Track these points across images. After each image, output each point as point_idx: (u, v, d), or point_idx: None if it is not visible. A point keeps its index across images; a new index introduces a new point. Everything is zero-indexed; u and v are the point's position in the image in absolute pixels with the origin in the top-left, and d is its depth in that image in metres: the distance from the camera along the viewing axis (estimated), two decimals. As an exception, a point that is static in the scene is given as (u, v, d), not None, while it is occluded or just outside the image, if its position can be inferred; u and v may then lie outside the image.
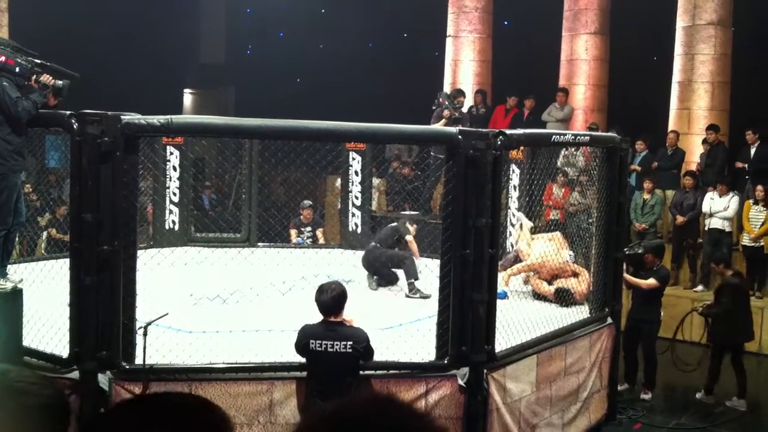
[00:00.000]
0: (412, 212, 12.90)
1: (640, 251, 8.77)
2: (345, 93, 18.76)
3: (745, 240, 11.42)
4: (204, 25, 22.02)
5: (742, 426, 8.35)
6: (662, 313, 8.89)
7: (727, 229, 11.63)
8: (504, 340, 6.56)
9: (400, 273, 9.01)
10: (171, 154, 10.74)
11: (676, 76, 13.66)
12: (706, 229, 11.87)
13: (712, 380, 8.89)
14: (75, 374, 5.57)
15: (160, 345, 5.78)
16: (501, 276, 8.91)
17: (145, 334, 5.45)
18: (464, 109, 13.54)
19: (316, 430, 1.21)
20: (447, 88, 15.24)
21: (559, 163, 11.70)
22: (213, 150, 12.34)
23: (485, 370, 6.25)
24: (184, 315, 6.95)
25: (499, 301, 6.54)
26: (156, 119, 5.61)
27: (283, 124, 6.10)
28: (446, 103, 12.59)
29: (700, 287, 11.86)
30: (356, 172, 11.55)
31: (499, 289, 8.77)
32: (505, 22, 17.30)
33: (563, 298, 8.40)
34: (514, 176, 11.12)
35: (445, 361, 6.17)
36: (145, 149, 8.79)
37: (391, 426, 1.17)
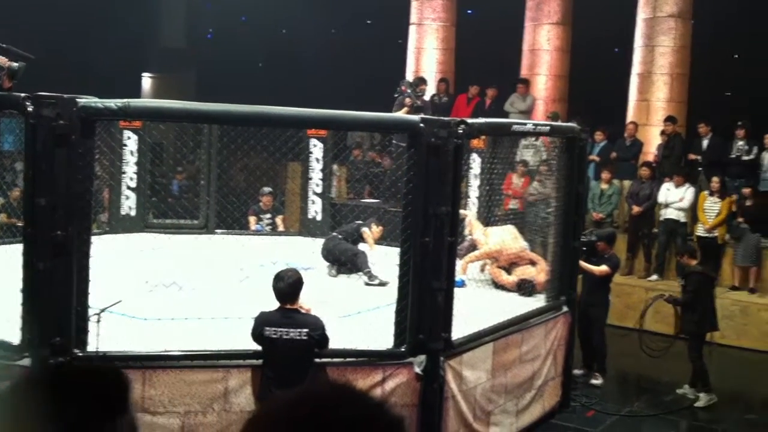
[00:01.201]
0: (373, 200, 12.90)
1: (593, 239, 8.92)
2: (307, 79, 18.65)
3: (700, 230, 11.61)
4: (164, 8, 21.70)
5: (692, 414, 8.50)
6: (611, 299, 9.05)
7: (682, 220, 11.81)
8: (461, 327, 6.59)
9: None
10: (128, 138, 10.59)
11: (636, 67, 13.80)
12: (661, 219, 12.05)
13: (704, 375, 8.77)
14: (26, 361, 5.47)
15: (114, 332, 5.71)
16: (458, 264, 8.97)
17: (98, 321, 5.38)
18: (426, 97, 13.53)
19: (273, 419, 1.20)
20: (409, 76, 15.22)
21: (526, 155, 11.75)
22: (171, 135, 12.19)
23: (442, 358, 6.28)
24: (138, 302, 6.88)
25: (456, 289, 6.57)
26: (113, 103, 5.53)
27: (243, 110, 6.04)
28: (408, 91, 12.58)
29: (654, 276, 12.04)
30: (317, 159, 11.50)
31: (457, 277, 8.84)
32: (469, 11, 17.31)
33: (527, 289, 8.48)
34: (475, 165, 11.17)
35: (403, 349, 6.19)
36: (101, 133, 8.64)
37: (348, 415, 1.17)
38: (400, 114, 11.60)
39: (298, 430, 1.16)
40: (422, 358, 6.20)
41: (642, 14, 13.69)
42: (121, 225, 10.62)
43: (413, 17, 16.25)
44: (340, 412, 1.17)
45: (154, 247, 9.62)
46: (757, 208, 11.26)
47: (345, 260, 9.08)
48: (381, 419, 1.19)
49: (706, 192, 11.59)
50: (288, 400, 1.23)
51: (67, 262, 5.42)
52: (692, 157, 12.47)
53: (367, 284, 8.69)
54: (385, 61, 17.61)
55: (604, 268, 8.78)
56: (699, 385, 8.75)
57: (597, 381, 8.99)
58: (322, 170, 11.53)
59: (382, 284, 8.48)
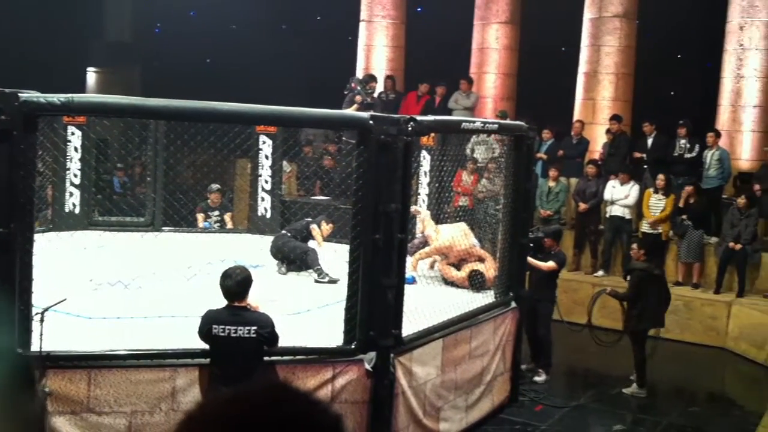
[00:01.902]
0: (323, 197, 12.85)
1: (540, 235, 9.02)
2: (257, 75, 18.51)
3: (645, 227, 11.83)
4: (110, 1, 21.30)
5: (638, 407, 8.66)
6: (557, 295, 9.16)
7: (628, 217, 12.03)
8: (411, 324, 6.61)
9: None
10: (72, 134, 10.37)
11: (583, 66, 14.00)
12: (607, 216, 12.25)
13: (641, 370, 8.91)
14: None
15: (58, 331, 5.59)
16: (409, 261, 9.00)
17: (42, 320, 5.26)
18: (376, 95, 13.53)
19: (205, 419, 1.18)
20: (360, 73, 15.21)
21: (477, 152, 11.82)
22: (116, 130, 11.98)
23: (392, 355, 6.29)
24: (83, 301, 6.75)
25: (407, 286, 6.59)
26: (56, 97, 5.40)
27: (189, 105, 5.96)
28: (358, 88, 12.57)
29: (600, 272, 12.23)
30: (266, 156, 11.42)
31: (408, 274, 8.86)
32: (418, 9, 17.37)
33: (476, 281, 8.53)
34: (425, 162, 11.20)
35: (353, 346, 6.18)
36: (44, 129, 8.46)
37: (286, 413, 1.16)
38: (350, 111, 11.58)
39: (231, 429, 1.14)
40: (372, 355, 6.20)
41: (588, 14, 13.90)
42: (65, 222, 10.40)
43: (363, 14, 16.25)
44: (275, 410, 1.16)
45: (99, 245, 9.45)
46: (700, 206, 11.50)
47: (294, 258, 9.03)
48: (317, 418, 1.19)
49: (651, 189, 11.81)
50: (222, 399, 1.22)
51: (10, 260, 5.29)
52: (637, 155, 12.69)
53: (317, 281, 8.66)
54: (335, 57, 17.57)
55: (550, 264, 8.89)
56: (637, 377, 8.91)
57: (540, 378, 9.06)
58: (272, 167, 11.44)
59: (332, 281, 8.46)
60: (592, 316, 9.28)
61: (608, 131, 12.94)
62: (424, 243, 9.32)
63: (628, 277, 9.13)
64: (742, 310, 10.88)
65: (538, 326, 9.04)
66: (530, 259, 8.82)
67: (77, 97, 5.60)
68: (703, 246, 11.62)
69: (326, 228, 9.40)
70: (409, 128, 6.28)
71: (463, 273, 8.79)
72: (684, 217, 11.47)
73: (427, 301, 7.16)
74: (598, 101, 13.84)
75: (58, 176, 10.39)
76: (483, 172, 11.26)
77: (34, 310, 5.38)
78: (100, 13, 21.12)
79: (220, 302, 5.53)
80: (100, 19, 21.24)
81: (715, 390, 9.96)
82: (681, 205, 11.48)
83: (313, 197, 12.75)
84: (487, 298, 8.21)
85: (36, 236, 5.57)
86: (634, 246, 9.36)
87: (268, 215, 11.45)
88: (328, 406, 1.23)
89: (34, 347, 5.34)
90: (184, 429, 1.18)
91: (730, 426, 8.30)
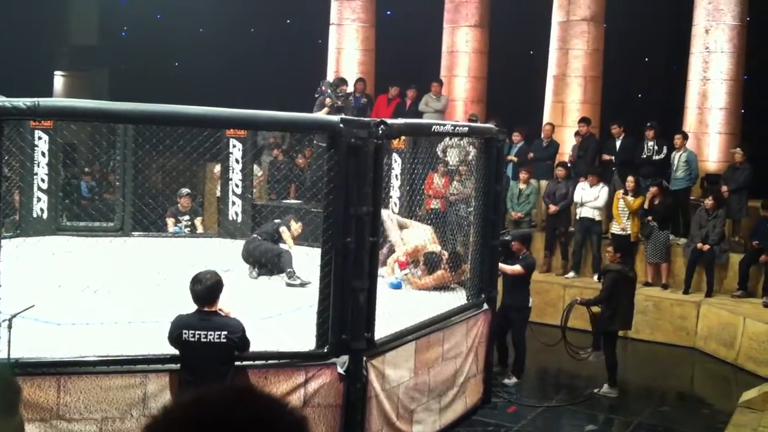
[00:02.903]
0: (294, 200, 12.81)
1: (507, 239, 9.01)
2: (226, 79, 18.40)
3: (615, 228, 11.93)
4: (76, 4, 21.08)
5: (609, 408, 8.73)
6: (531, 300, 9.10)
7: (597, 218, 12.13)
8: (383, 327, 6.60)
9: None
10: (39, 139, 10.25)
11: (552, 70, 14.11)
12: (577, 218, 12.34)
13: (613, 371, 8.96)
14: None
15: (27, 338, 5.51)
16: (387, 266, 9.03)
17: (10, 327, 5.18)
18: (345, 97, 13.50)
19: (174, 420, 1.17)
20: (330, 77, 15.19)
21: (449, 155, 11.85)
22: (84, 135, 11.85)
23: (365, 358, 6.28)
24: (52, 307, 6.65)
25: (390, 290, 6.57)
26: (22, 101, 5.33)
27: (157, 109, 5.92)
28: (328, 91, 12.54)
29: (571, 274, 12.32)
30: (237, 160, 11.36)
31: (394, 280, 8.88)
32: (388, 12, 17.38)
33: (432, 261, 8.60)
34: (396, 165, 11.22)
35: (325, 350, 6.16)
36: (11, 134, 8.35)
37: (249, 416, 1.16)
38: (320, 114, 11.56)
39: (195, 431, 1.14)
40: (345, 358, 6.18)
41: (556, 17, 14.00)
42: (32, 227, 10.27)
43: (333, 17, 16.23)
44: (238, 412, 1.16)
45: (67, 250, 9.33)
46: (665, 206, 11.62)
47: (266, 261, 8.99)
48: (281, 420, 1.19)
49: (620, 191, 11.91)
50: (186, 401, 1.21)
51: (-25, 266, 5.21)
52: (606, 157, 12.79)
53: (288, 284, 8.62)
54: (305, 61, 17.52)
55: (517, 267, 8.85)
56: (609, 378, 8.97)
57: (510, 381, 9.07)
58: (242, 171, 11.39)
59: (303, 284, 8.43)
60: (564, 322, 9.25)
61: (577, 133, 13.04)
62: (391, 249, 9.33)
63: (602, 278, 9.17)
64: (711, 309, 11.01)
65: (512, 334, 9.04)
66: (499, 264, 8.82)
67: (43, 101, 5.52)
68: (669, 246, 11.75)
69: (296, 227, 9.36)
70: (380, 131, 6.28)
71: (429, 279, 8.83)
72: (650, 218, 11.58)
73: (399, 304, 7.16)
74: (567, 104, 13.94)
75: (25, 181, 10.25)
76: (455, 174, 11.30)
77: (1, 317, 5.30)
78: (65, 16, 20.90)
79: (191, 307, 5.48)
80: (67, 22, 21.02)
81: (685, 389, 10.07)
82: (646, 206, 11.59)
83: (284, 201, 12.70)
84: (459, 300, 8.23)
85: (3, 242, 5.49)
86: (609, 249, 9.39)
87: (239, 219, 11.39)
88: (292, 408, 1.23)
89: (2, 354, 5.25)
90: None
91: (700, 425, 8.39)
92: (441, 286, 8.79)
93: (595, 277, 11.79)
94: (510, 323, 8.97)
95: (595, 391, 8.96)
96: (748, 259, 11.08)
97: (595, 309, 9.06)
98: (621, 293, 8.88)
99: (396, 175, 11.21)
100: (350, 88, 13.91)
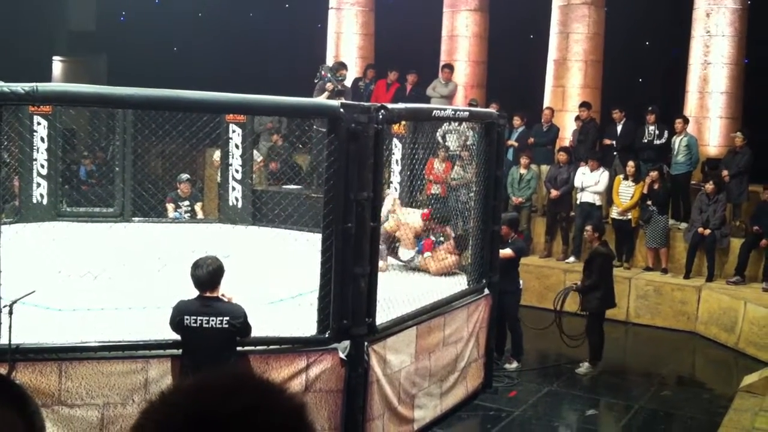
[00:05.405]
0: (294, 186, 12.77)
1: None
2: (225, 63, 18.33)
3: (614, 213, 11.92)
4: (73, -10, 20.97)
5: (611, 393, 8.74)
6: (522, 283, 9.21)
7: (598, 203, 12.11)
8: (384, 312, 6.60)
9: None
10: (38, 124, 10.21)
11: (552, 54, 14.04)
12: (577, 202, 12.32)
13: (598, 349, 9.15)
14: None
15: (28, 324, 5.51)
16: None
17: (10, 313, 5.18)
18: (348, 83, 13.44)
19: (167, 408, 1.16)
20: (330, 61, 15.11)
21: (448, 140, 11.81)
22: (83, 120, 11.81)
23: (366, 343, 6.28)
24: (53, 292, 6.65)
25: (388, 276, 6.54)
26: (20, 86, 5.30)
27: (156, 94, 5.90)
28: (328, 75, 12.47)
29: (572, 258, 12.31)
30: (236, 145, 11.32)
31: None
32: (387, -4, 17.29)
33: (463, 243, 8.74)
34: (396, 150, 11.18)
35: (327, 335, 6.16)
36: (10, 119, 8.32)
37: (248, 401, 1.15)
38: (320, 99, 11.51)
39: (192, 418, 1.13)
40: (346, 343, 6.19)
41: (557, 1, 13.93)
42: (32, 213, 10.24)
43: (332, 2, 16.16)
44: (237, 398, 1.15)
45: (68, 236, 9.31)
46: (665, 191, 11.60)
47: None
48: (280, 405, 1.18)
49: (621, 176, 11.89)
50: (184, 387, 1.21)
51: (-25, 252, 5.20)
52: (606, 142, 12.76)
53: None
54: (304, 45, 17.45)
55: (507, 251, 8.88)
56: (590, 356, 9.08)
57: (510, 365, 9.11)
58: (242, 156, 11.35)
59: None
60: (558, 308, 9.32)
61: (577, 118, 13.00)
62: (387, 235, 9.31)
63: (591, 262, 9.25)
64: (711, 294, 11.01)
65: (507, 318, 9.06)
66: None
67: (41, 86, 5.49)
68: (668, 231, 11.74)
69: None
70: (380, 116, 6.25)
71: (450, 258, 8.85)
72: (649, 202, 11.57)
73: (400, 289, 7.15)
74: (567, 88, 13.89)
75: (25, 167, 10.22)
76: (456, 159, 11.27)
77: (2, 303, 5.30)
78: (63, 2, 20.80)
79: (192, 293, 5.48)
80: (65, 7, 20.93)
81: (686, 374, 10.08)
82: (645, 191, 11.58)
83: (284, 186, 12.66)
84: (460, 285, 8.23)
85: (3, 228, 5.48)
86: (588, 228, 9.54)
87: (239, 205, 11.37)
88: (291, 394, 1.22)
89: (3, 340, 5.26)
90: (146, 417, 1.17)
91: (700, 409, 8.41)
92: (447, 272, 8.77)
93: (572, 258, 12.17)
94: (504, 307, 8.99)
95: (577, 371, 9.09)
96: (749, 243, 11.08)
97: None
98: (608, 275, 9.14)
99: (396, 160, 11.18)
100: (359, 74, 13.78)
